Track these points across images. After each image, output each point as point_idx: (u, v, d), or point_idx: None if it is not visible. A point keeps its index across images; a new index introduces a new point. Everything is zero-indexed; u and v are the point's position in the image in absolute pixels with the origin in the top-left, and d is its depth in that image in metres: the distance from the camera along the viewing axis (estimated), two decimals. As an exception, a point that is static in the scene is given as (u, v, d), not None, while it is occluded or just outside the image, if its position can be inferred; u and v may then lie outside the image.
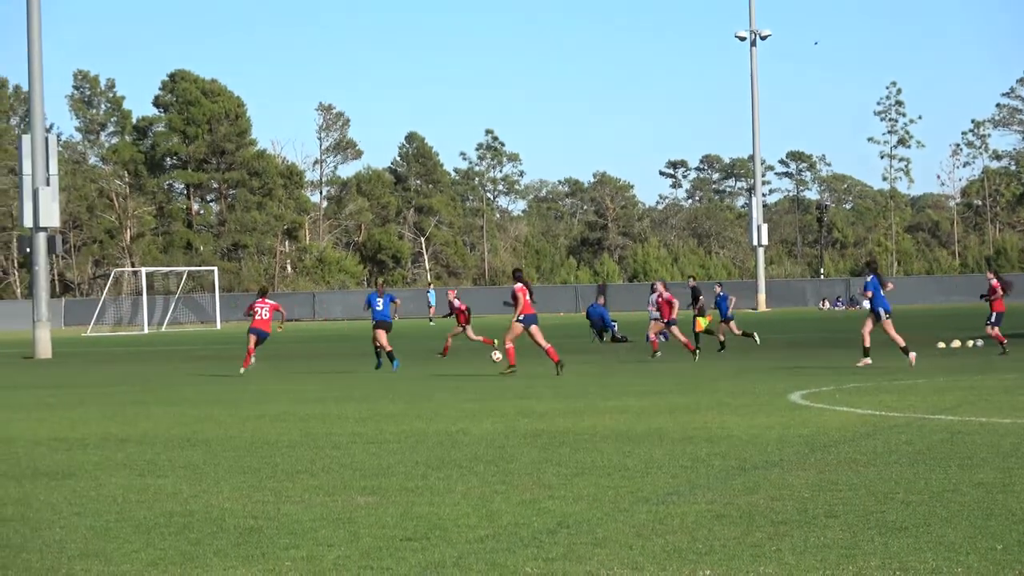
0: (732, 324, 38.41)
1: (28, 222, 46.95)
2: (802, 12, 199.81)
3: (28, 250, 48.29)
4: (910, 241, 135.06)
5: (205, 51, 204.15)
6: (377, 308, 31.54)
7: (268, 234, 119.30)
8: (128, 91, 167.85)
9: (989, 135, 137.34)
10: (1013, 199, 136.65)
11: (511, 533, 9.74)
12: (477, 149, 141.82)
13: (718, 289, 39.17)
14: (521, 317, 27.40)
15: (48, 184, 46.66)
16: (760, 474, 12.30)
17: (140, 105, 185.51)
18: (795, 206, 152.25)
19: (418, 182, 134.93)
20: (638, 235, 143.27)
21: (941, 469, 12.28)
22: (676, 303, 34.07)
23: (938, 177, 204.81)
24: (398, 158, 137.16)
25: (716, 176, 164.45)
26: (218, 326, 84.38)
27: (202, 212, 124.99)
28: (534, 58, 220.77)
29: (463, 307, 38.13)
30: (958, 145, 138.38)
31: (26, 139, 47.20)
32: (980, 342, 35.11)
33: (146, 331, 78.20)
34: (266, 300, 32.16)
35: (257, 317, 31.76)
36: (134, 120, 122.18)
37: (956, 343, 35.45)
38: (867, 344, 27.59)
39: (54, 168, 47.10)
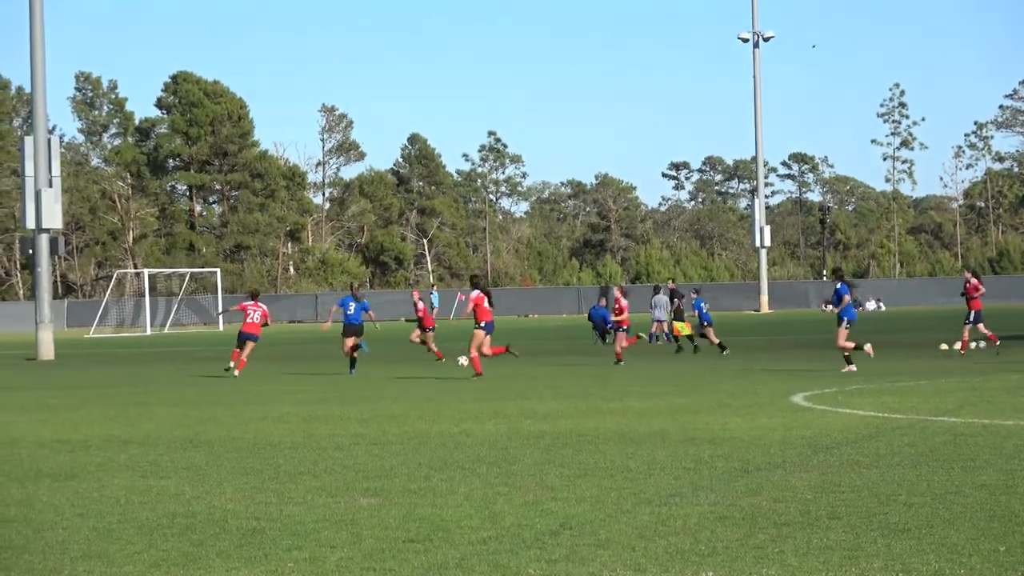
0: (711, 331, 37.77)
1: (31, 223, 46.97)
2: (805, 14, 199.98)
3: (31, 252, 48.29)
4: (913, 243, 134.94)
5: (208, 52, 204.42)
6: (349, 311, 31.44)
7: (271, 236, 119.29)
8: (131, 93, 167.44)
9: (992, 137, 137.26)
10: (1016, 201, 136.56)
11: (514, 534, 9.74)
12: (479, 151, 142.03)
13: (694, 295, 38.54)
14: (482, 324, 27.64)
15: (51, 186, 46.69)
16: (763, 476, 12.30)
17: (142, 107, 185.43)
18: (798, 208, 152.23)
19: (420, 184, 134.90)
20: (641, 237, 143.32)
21: (944, 471, 12.28)
22: (627, 306, 33.43)
23: (941, 179, 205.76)
24: (400, 160, 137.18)
25: (719, 178, 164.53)
26: (220, 328, 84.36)
27: (204, 214, 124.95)
28: (536, 60, 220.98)
29: (423, 310, 37.79)
30: (961, 147, 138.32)
31: (29, 140, 47.22)
32: (982, 344, 35.17)
33: (148, 333, 78.20)
34: (259, 304, 32.05)
35: (248, 320, 31.70)
36: (136, 121, 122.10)
37: (958, 345, 35.43)
38: (848, 350, 27.66)
39: (57, 170, 47.11)
